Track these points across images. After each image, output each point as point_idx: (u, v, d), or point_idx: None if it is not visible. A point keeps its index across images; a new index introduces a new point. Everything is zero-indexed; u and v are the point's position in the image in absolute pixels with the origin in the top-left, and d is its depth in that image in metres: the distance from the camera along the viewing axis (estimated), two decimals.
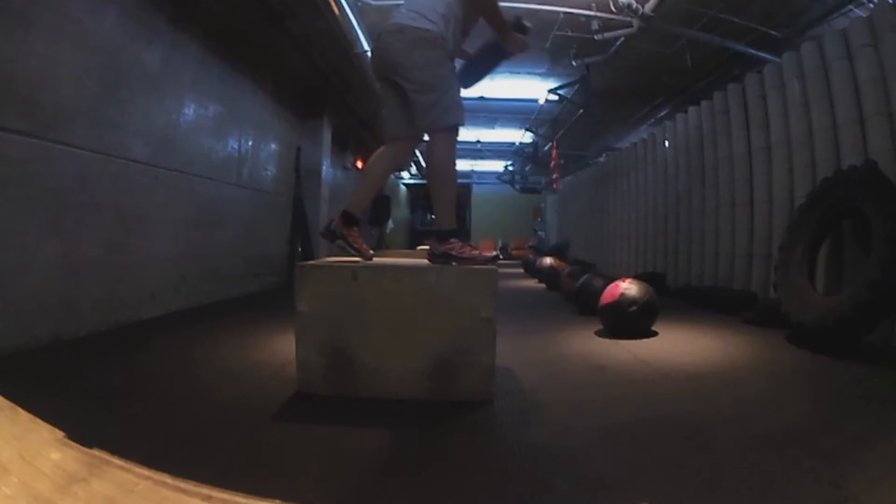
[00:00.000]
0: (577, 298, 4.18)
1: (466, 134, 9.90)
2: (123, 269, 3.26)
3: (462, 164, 13.94)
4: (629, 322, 3.10)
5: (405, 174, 14.56)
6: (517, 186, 15.28)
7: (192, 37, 3.97)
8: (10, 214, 2.43)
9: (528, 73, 6.53)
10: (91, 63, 2.93)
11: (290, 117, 6.28)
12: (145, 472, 1.12)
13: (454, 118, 2.02)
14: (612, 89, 6.84)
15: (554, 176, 10.24)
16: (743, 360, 2.55)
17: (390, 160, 2.29)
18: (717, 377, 2.25)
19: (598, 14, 4.71)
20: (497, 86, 6.87)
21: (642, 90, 6.85)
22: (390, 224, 12.21)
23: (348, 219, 2.19)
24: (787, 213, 3.84)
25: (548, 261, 7.32)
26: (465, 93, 2.16)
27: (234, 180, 4.87)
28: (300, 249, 6.37)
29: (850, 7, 4.09)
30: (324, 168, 6.77)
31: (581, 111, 6.90)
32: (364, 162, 9.42)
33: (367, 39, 4.42)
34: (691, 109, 5.60)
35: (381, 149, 2.26)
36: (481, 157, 13.01)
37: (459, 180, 2.26)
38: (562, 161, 10.18)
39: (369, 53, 4.49)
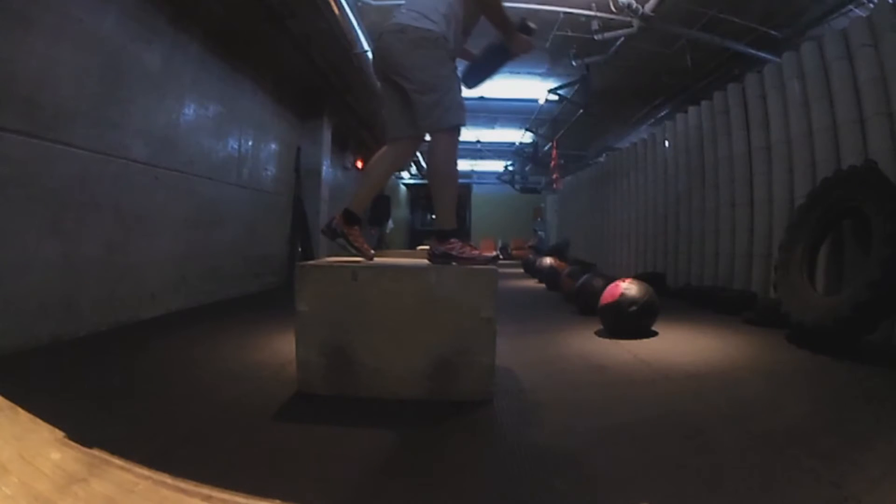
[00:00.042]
0: (577, 298, 4.18)
1: (466, 134, 9.85)
2: (123, 269, 3.26)
3: (462, 164, 13.95)
4: (629, 322, 3.10)
5: (405, 174, 14.56)
6: (517, 186, 15.28)
7: (192, 37, 3.97)
8: (10, 214, 2.43)
9: (528, 73, 6.53)
10: (91, 63, 2.93)
11: (290, 117, 6.29)
12: (145, 472, 1.12)
13: (456, 118, 2.02)
14: (612, 89, 6.84)
15: (554, 176, 10.24)
16: (743, 360, 2.55)
17: (392, 160, 2.29)
18: (717, 377, 2.25)
19: (598, 14, 4.71)
20: (497, 86, 6.87)
21: (642, 90, 6.85)
22: (390, 224, 12.21)
23: (349, 217, 2.19)
24: (787, 213, 3.84)
25: (548, 261, 7.32)
26: (465, 93, 2.16)
27: (234, 180, 4.87)
28: (300, 249, 6.37)
29: (850, 7, 4.09)
30: (324, 168, 6.78)
31: (581, 111, 6.91)
32: (364, 162, 9.46)
33: (367, 39, 4.42)
34: (691, 109, 5.60)
35: (383, 149, 2.26)
36: (481, 157, 13.01)
37: (459, 180, 2.26)
38: (562, 161, 10.18)
39: (369, 53, 4.49)
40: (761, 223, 4.25)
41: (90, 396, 1.87)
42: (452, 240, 2.05)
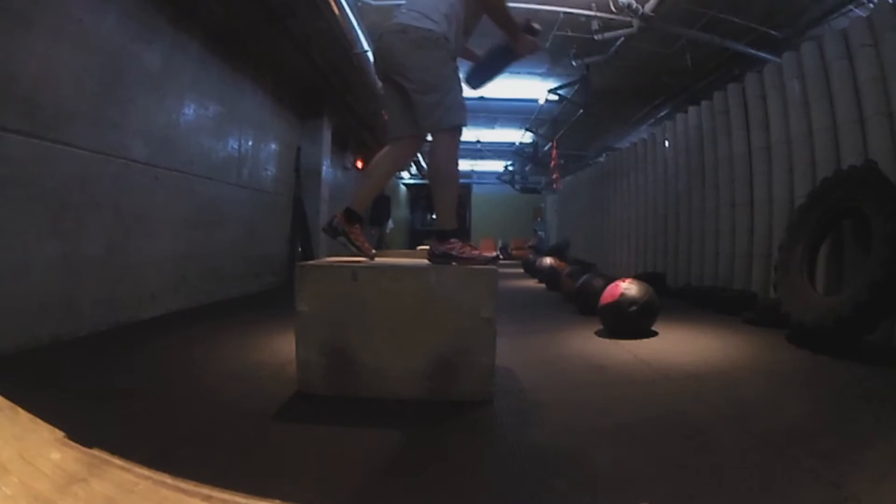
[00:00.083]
0: (577, 298, 4.18)
1: (466, 134, 9.81)
2: (123, 269, 3.26)
3: (462, 164, 13.90)
4: (629, 322, 3.10)
5: (405, 174, 14.57)
6: (517, 186, 15.28)
7: (192, 37, 3.97)
8: (10, 214, 2.43)
9: (528, 73, 6.53)
10: (91, 63, 2.93)
11: (290, 117, 6.29)
12: (145, 472, 1.12)
13: (457, 118, 2.02)
14: (612, 89, 6.84)
15: (554, 176, 10.24)
16: (743, 360, 2.55)
17: (394, 160, 2.29)
18: (717, 377, 2.25)
19: (598, 14, 4.72)
20: (497, 86, 6.82)
21: (642, 90, 6.85)
22: (390, 224, 12.21)
23: (351, 216, 2.19)
24: (787, 213, 3.84)
25: (548, 261, 7.32)
26: (465, 93, 2.16)
27: (234, 180, 4.87)
28: (300, 249, 6.37)
29: (850, 7, 4.09)
30: (324, 168, 6.78)
31: (581, 111, 6.91)
32: (364, 162, 9.46)
33: (367, 39, 4.42)
34: (691, 109, 5.60)
35: (385, 148, 2.27)
36: (481, 157, 13.01)
37: (460, 180, 2.26)
38: (562, 161, 10.18)
39: (369, 53, 4.50)
40: (761, 223, 4.25)
41: (90, 396, 1.87)
42: (452, 240, 2.05)
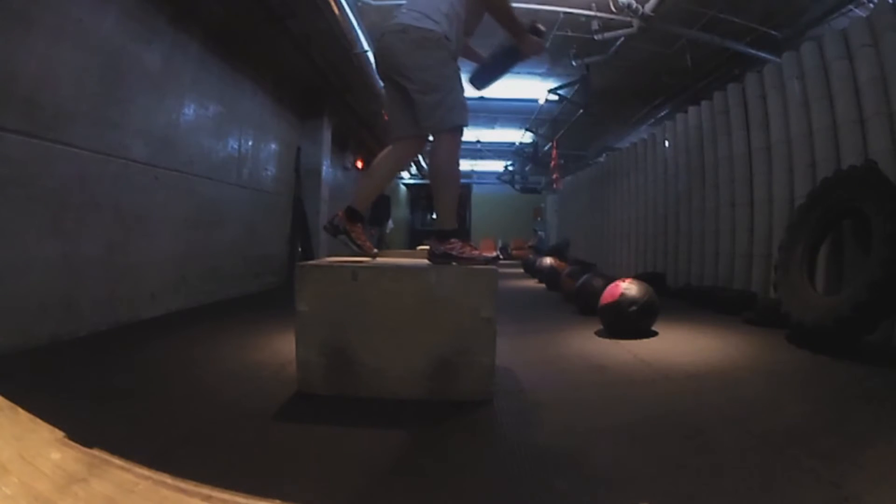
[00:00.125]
0: (577, 298, 4.18)
1: (466, 134, 9.84)
2: (123, 269, 3.26)
3: (462, 164, 13.89)
4: (629, 322, 3.10)
5: (405, 174, 14.57)
6: (517, 186, 15.29)
7: (192, 37, 3.97)
8: (10, 214, 2.44)
9: (528, 73, 6.53)
10: (91, 63, 2.93)
11: (290, 117, 6.29)
12: (145, 472, 1.12)
13: (459, 119, 2.02)
14: (612, 89, 6.84)
15: (554, 176, 10.24)
16: (743, 360, 2.55)
17: (396, 160, 2.29)
18: (717, 377, 2.25)
19: (598, 14, 4.72)
20: (497, 86, 6.84)
21: (642, 90, 6.85)
22: (390, 224, 12.21)
23: (352, 214, 2.19)
24: (787, 213, 3.83)
25: (548, 261, 7.32)
26: (465, 92, 2.16)
27: (234, 180, 4.87)
28: (300, 249, 6.37)
29: (850, 7, 4.09)
30: (324, 168, 6.78)
31: (581, 111, 6.91)
32: (364, 162, 9.46)
33: (367, 39, 4.42)
34: (691, 109, 5.60)
35: (388, 148, 2.27)
36: (481, 157, 13.01)
37: (461, 180, 2.26)
38: (562, 161, 10.18)
39: (369, 53, 4.50)
40: (761, 223, 4.25)
41: (90, 396, 1.87)
42: (453, 240, 2.05)
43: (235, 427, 1.66)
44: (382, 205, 10.76)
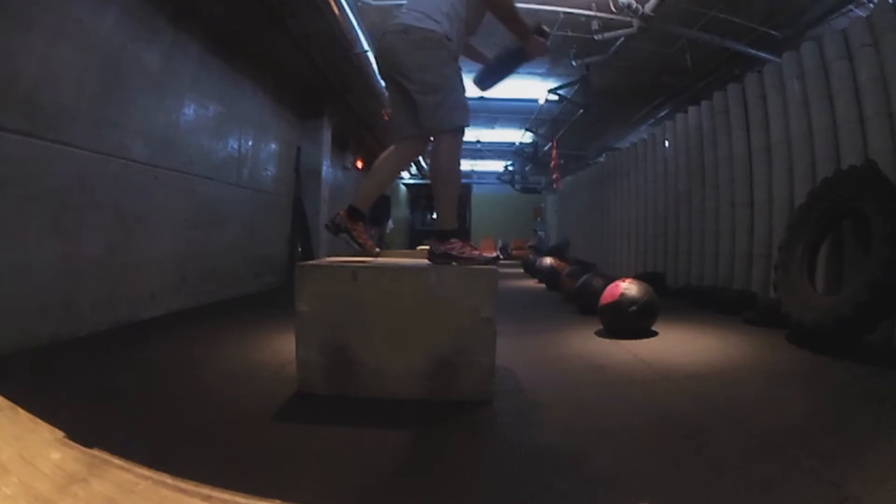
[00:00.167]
0: (577, 298, 4.19)
1: (466, 134, 9.85)
2: (123, 269, 3.26)
3: (462, 164, 13.91)
4: (629, 322, 3.10)
5: (405, 174, 14.57)
6: (517, 186, 15.28)
7: (192, 37, 3.97)
8: (10, 214, 2.43)
9: (528, 73, 6.53)
10: (91, 63, 2.93)
11: (290, 117, 6.28)
12: (145, 472, 1.12)
13: (460, 119, 2.01)
14: (612, 89, 6.84)
15: (554, 176, 10.24)
16: (743, 360, 2.55)
17: (398, 160, 2.29)
18: (717, 377, 2.25)
19: (598, 14, 4.72)
20: (497, 86, 6.87)
21: (642, 90, 6.85)
22: (390, 224, 12.22)
23: (354, 213, 2.19)
24: (787, 213, 3.83)
25: (548, 261, 7.32)
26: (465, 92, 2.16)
27: (234, 180, 4.87)
28: (300, 249, 6.37)
29: (850, 7, 4.09)
30: (324, 168, 6.78)
31: (581, 111, 6.90)
32: (364, 162, 9.46)
33: (367, 39, 4.42)
34: (691, 109, 5.60)
35: (390, 148, 2.27)
36: (481, 157, 13.01)
37: (461, 180, 2.26)
38: (562, 161, 10.18)
39: (369, 53, 4.49)
40: (761, 223, 4.25)
41: (90, 396, 1.87)
42: (453, 240, 2.05)
43: (235, 427, 1.66)
44: (382, 205, 10.77)
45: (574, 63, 5.83)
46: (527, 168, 13.64)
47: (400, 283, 1.91)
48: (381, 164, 2.27)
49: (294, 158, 6.41)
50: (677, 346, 2.90)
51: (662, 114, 7.12)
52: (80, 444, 1.19)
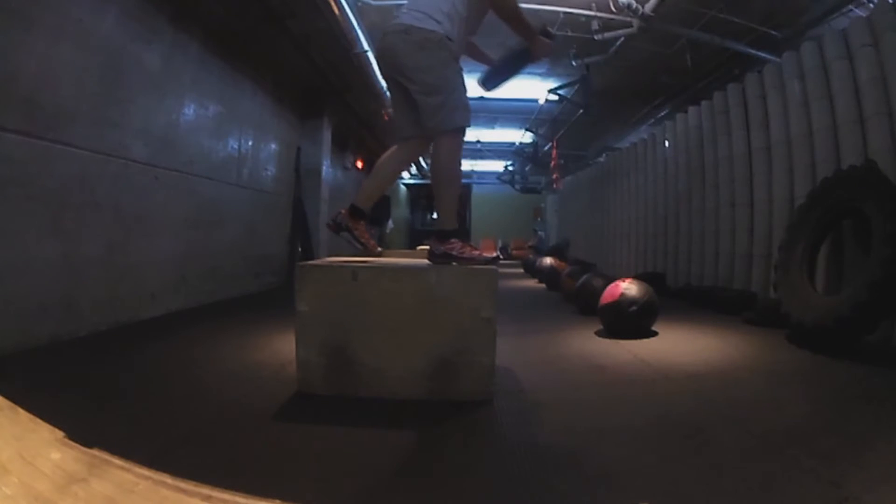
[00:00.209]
0: (577, 298, 4.18)
1: (466, 134, 9.88)
2: (123, 269, 3.26)
3: (462, 164, 13.92)
4: (629, 322, 3.10)
5: (405, 174, 14.56)
6: (517, 186, 15.28)
7: (192, 37, 3.97)
8: (10, 214, 2.43)
9: (528, 73, 6.52)
10: (91, 63, 2.93)
11: (290, 117, 6.28)
12: (145, 472, 1.12)
13: (461, 120, 2.01)
14: (612, 89, 6.84)
15: (554, 176, 10.24)
16: (743, 360, 2.55)
17: (400, 160, 2.29)
18: (717, 377, 2.25)
19: (598, 14, 4.72)
20: (502, 87, 6.87)
21: (642, 90, 6.85)
22: (390, 224, 12.22)
23: (355, 212, 2.19)
24: (787, 213, 3.83)
25: (548, 261, 7.32)
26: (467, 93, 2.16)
27: (234, 180, 4.87)
28: (300, 249, 6.37)
29: (850, 7, 4.09)
30: (324, 168, 6.78)
31: (581, 111, 6.90)
32: (364, 162, 9.46)
33: (367, 39, 4.42)
34: (691, 109, 5.60)
35: (393, 148, 2.27)
36: (481, 157, 13.01)
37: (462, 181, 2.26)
38: (562, 161, 10.18)
39: (369, 53, 4.49)
40: (761, 223, 4.25)
41: (90, 396, 1.87)
42: (453, 240, 2.05)
43: (235, 427, 1.66)
44: (382, 205, 10.76)
45: (574, 63, 5.83)
46: (527, 168, 13.64)
47: (400, 283, 1.91)
48: (383, 163, 2.27)
49: (294, 158, 6.41)
50: (677, 346, 2.90)
51: (662, 114, 7.12)
52: (80, 444, 1.19)
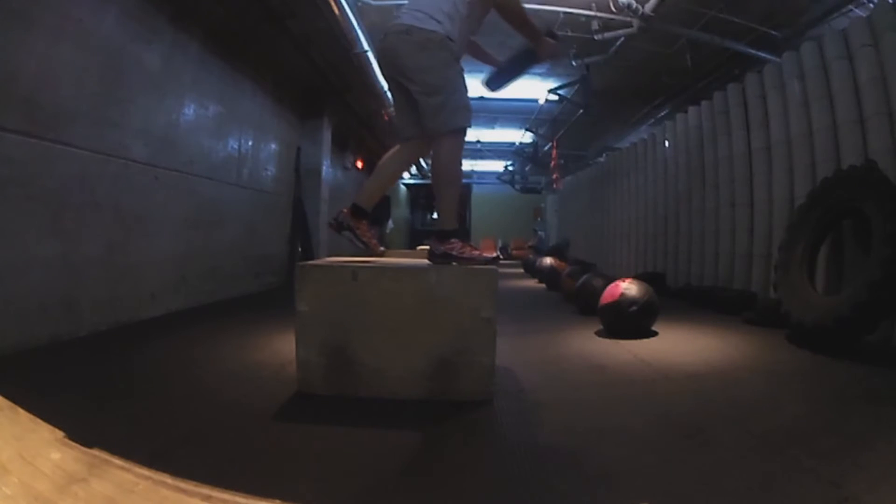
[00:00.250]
0: (577, 298, 4.18)
1: (467, 134, 9.90)
2: (123, 269, 3.26)
3: (462, 165, 13.91)
4: (629, 322, 3.10)
5: (405, 174, 14.57)
6: (517, 186, 15.28)
7: (192, 37, 3.97)
8: (10, 214, 2.43)
9: (529, 74, 6.49)
10: (91, 63, 2.93)
11: (290, 117, 6.29)
12: (145, 472, 1.12)
13: (462, 120, 2.01)
14: (612, 89, 6.84)
15: (554, 176, 10.24)
16: (743, 360, 2.55)
17: (402, 160, 2.29)
18: (717, 377, 2.25)
19: (598, 14, 4.72)
20: (507, 87, 6.87)
21: (642, 90, 6.85)
22: (390, 224, 12.22)
23: (357, 211, 2.19)
24: (787, 213, 3.83)
25: (548, 261, 7.31)
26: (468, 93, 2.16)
27: (234, 180, 4.87)
28: (300, 249, 6.37)
29: (850, 7, 4.09)
30: (324, 168, 6.78)
31: (581, 111, 6.91)
32: (364, 162, 9.46)
33: (367, 39, 4.42)
34: (691, 109, 5.60)
35: (395, 148, 2.27)
36: (481, 157, 13.01)
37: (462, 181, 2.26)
38: (562, 161, 10.18)
39: (369, 53, 4.49)
40: (761, 223, 4.25)
41: (90, 396, 1.87)
42: (453, 240, 2.05)
43: (235, 427, 1.66)
44: (382, 205, 10.76)
45: (574, 63, 5.83)
46: (527, 168, 13.63)
47: (400, 283, 1.91)
48: (385, 163, 2.27)
49: (294, 158, 6.41)
50: (677, 346, 2.90)
51: (662, 114, 7.11)
52: (80, 444, 1.19)
